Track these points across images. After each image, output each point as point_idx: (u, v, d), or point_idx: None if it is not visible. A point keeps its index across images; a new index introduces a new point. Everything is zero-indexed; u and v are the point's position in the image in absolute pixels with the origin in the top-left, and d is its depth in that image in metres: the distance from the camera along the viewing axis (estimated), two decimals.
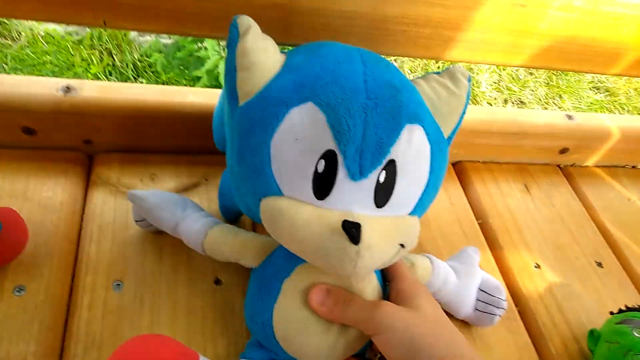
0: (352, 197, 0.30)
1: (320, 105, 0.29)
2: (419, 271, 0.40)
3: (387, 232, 0.31)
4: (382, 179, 0.30)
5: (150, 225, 0.42)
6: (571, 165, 0.67)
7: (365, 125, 0.29)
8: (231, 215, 0.45)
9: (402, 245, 0.32)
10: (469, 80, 0.35)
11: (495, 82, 2.29)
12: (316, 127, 0.29)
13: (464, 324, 0.45)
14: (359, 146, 0.29)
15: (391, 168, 0.31)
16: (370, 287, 0.36)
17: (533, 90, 2.31)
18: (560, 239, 0.57)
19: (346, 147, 0.29)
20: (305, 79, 0.30)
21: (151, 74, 1.42)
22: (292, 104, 0.30)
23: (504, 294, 0.43)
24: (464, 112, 0.36)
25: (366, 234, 0.29)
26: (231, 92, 0.32)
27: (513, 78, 2.35)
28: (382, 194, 0.31)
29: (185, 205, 0.40)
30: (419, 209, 0.34)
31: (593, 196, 0.64)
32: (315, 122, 0.29)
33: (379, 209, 0.31)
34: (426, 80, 0.35)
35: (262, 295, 0.36)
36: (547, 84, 2.36)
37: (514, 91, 2.26)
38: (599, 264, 0.55)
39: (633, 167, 0.70)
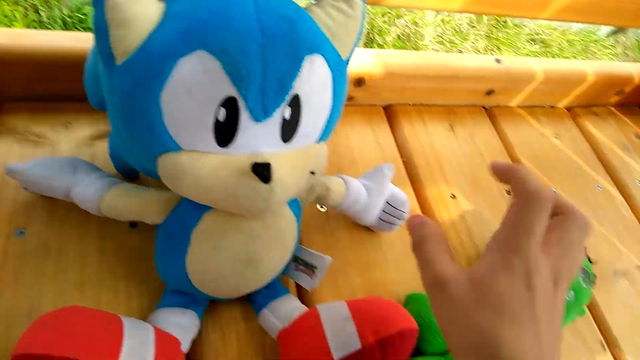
0: (257, 138, 0.31)
1: (212, 52, 0.28)
2: (332, 195, 0.43)
3: (296, 164, 0.33)
4: (287, 115, 0.31)
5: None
6: (495, 106, 0.74)
7: (264, 65, 0.29)
8: (130, 174, 0.44)
9: (312, 173, 0.34)
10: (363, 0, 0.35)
11: (438, 35, 2.32)
12: (211, 76, 0.28)
13: (369, 231, 0.52)
14: (260, 87, 0.29)
15: (296, 102, 0.31)
16: (282, 218, 0.38)
17: (474, 43, 2.36)
18: (477, 172, 0.64)
19: (247, 91, 0.29)
20: (192, 26, 0.28)
21: (82, 29, 1.37)
22: (179, 55, 0.28)
23: (408, 207, 0.49)
24: (360, 32, 0.36)
25: (276, 170, 0.30)
26: (105, 52, 0.29)
27: (456, 31, 2.38)
28: (289, 130, 0.32)
29: (75, 169, 0.38)
30: (325, 134, 0.35)
31: (512, 134, 0.71)
32: (209, 71, 0.28)
33: (286, 144, 0.32)
34: (321, 7, 0.34)
35: (172, 249, 0.36)
36: (488, 36, 2.41)
37: (456, 43, 2.30)
38: (509, 192, 0.63)
39: (551, 106, 0.77)
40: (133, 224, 0.44)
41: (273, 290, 0.42)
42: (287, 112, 0.31)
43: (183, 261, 0.36)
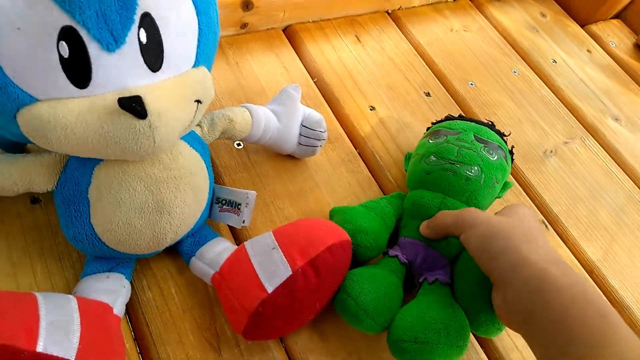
0: (119, 71, 0.28)
1: None
2: (237, 126, 0.40)
3: (174, 94, 0.30)
4: (143, 39, 0.28)
5: None
6: (398, 9, 0.70)
7: None
8: (14, 147, 0.37)
9: (198, 102, 0.32)
10: None
11: None
12: (36, 6, 0.25)
13: (294, 159, 0.49)
14: (98, 10, 0.26)
15: (149, 22, 0.28)
16: (182, 157, 0.35)
17: None
18: (392, 79, 0.61)
19: (84, 17, 0.26)
20: None
21: None
22: None
23: (324, 126, 0.46)
24: None
25: (151, 103, 0.28)
26: None
27: None
28: (152, 55, 0.29)
29: None
30: (203, 57, 0.33)
31: (420, 34, 0.68)
32: (34, 1, 0.25)
33: (157, 73, 0.30)
34: None
35: (74, 214, 0.34)
36: None
37: None
38: (427, 94, 0.61)
39: (454, 0, 0.75)
40: (33, 200, 0.40)
41: (199, 236, 0.39)
42: (142, 35, 0.28)
43: (89, 223, 0.34)
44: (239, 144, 0.49)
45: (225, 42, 0.57)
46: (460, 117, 0.49)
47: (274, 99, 0.47)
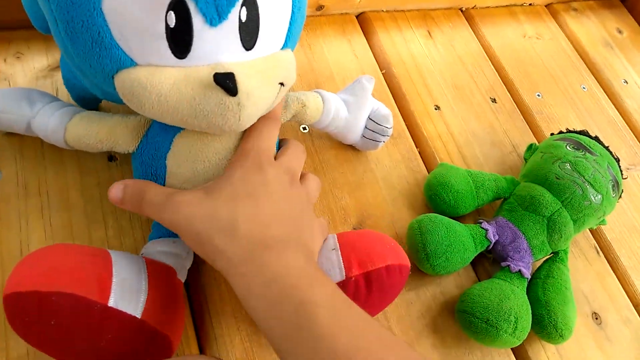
0: (216, 46, 0.28)
1: None
2: (308, 111, 0.41)
3: (264, 74, 0.30)
4: (244, 17, 0.28)
5: None
6: (472, 8, 0.69)
7: None
8: (90, 104, 0.39)
9: (281, 84, 0.32)
10: None
11: None
12: None
13: (356, 150, 0.49)
14: None
15: (251, 2, 0.29)
16: (222, 155, 0.34)
17: None
18: (459, 79, 0.60)
19: None
20: None
21: None
22: None
23: (391, 122, 0.46)
24: None
25: (242, 81, 0.28)
26: None
27: None
28: (248, 34, 0.29)
29: (32, 100, 0.35)
30: (290, 40, 0.33)
31: (491, 36, 0.67)
32: None
33: (249, 52, 0.30)
34: None
35: (150, 177, 0.34)
36: None
37: None
38: (493, 100, 0.60)
39: (530, 4, 0.73)
40: (111, 158, 0.41)
41: None
42: (243, 13, 0.28)
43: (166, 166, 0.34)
44: (304, 128, 0.49)
45: None
46: (597, 139, 0.49)
47: (347, 87, 0.46)
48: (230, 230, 0.29)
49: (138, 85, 0.28)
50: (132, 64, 0.28)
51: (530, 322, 0.40)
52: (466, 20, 0.67)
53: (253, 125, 0.33)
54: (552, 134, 0.53)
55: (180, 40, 0.28)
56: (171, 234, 0.37)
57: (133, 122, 0.34)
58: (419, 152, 0.53)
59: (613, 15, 0.77)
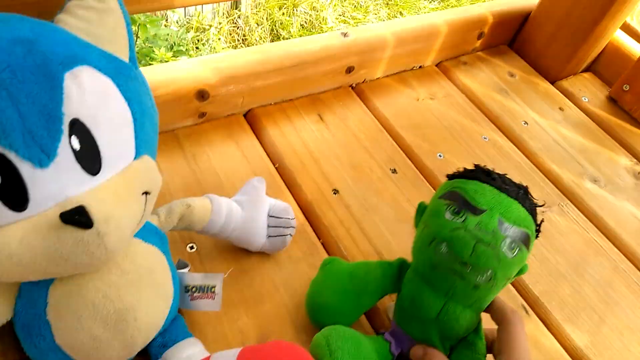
0: (57, 183, 0.27)
1: None
2: (196, 211, 0.39)
3: (120, 193, 0.29)
4: (76, 145, 0.27)
5: None
6: (362, 82, 0.70)
7: (14, 102, 0.25)
8: None
9: (146, 193, 0.31)
10: None
11: (340, 15, 2.32)
12: None
13: (247, 261, 0.46)
14: (23, 129, 0.25)
15: (79, 128, 0.27)
16: (139, 255, 0.33)
17: (376, 14, 2.39)
18: (356, 158, 0.59)
19: (9, 140, 0.25)
20: None
21: None
22: None
23: (291, 213, 0.45)
24: (128, 23, 0.33)
25: (95, 209, 0.26)
26: None
27: (355, 6, 2.40)
28: (88, 159, 0.28)
29: None
30: (144, 146, 0.32)
31: (385, 106, 0.67)
32: None
33: (97, 175, 0.28)
34: (67, 12, 0.30)
35: (36, 338, 0.32)
36: (387, 4, 2.45)
37: (359, 19, 2.32)
38: (394, 171, 0.59)
39: (420, 67, 0.75)
40: None
41: (168, 336, 0.37)
42: (75, 142, 0.27)
43: (56, 345, 0.32)
44: (192, 247, 0.46)
45: (182, 134, 0.56)
46: (487, 173, 0.39)
47: (238, 192, 0.46)
48: None
49: None
50: None
51: None
52: (357, 96, 0.67)
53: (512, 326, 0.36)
54: (447, 175, 0.43)
55: (12, 195, 0.26)
56: None
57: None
58: (322, 244, 0.50)
59: (503, 62, 0.80)
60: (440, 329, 0.38)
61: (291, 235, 0.46)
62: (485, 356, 0.39)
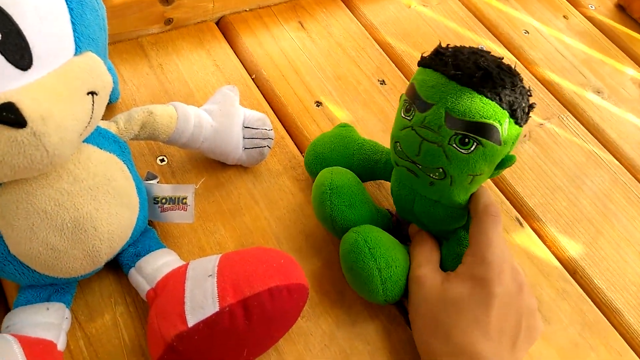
0: None
1: None
2: (159, 119, 0.37)
3: (59, 90, 0.26)
4: None
5: None
6: None
7: None
8: None
9: (93, 93, 0.28)
10: None
11: None
12: None
13: (223, 172, 0.44)
14: None
15: None
16: (93, 163, 0.31)
17: None
18: (341, 68, 0.56)
19: None
20: None
21: None
22: None
23: (268, 123, 0.43)
24: None
25: (28, 107, 0.24)
26: None
27: None
28: (14, 51, 0.25)
29: None
30: (85, 42, 0.29)
31: (372, 13, 0.62)
32: None
33: (29, 71, 0.26)
34: None
35: None
36: None
37: None
38: (382, 82, 0.56)
39: None
40: None
41: (141, 246, 0.37)
42: None
43: (12, 256, 0.31)
44: (162, 160, 0.44)
45: (147, 42, 0.52)
46: (441, 60, 0.34)
47: (208, 101, 0.43)
48: (443, 338, 0.33)
49: None
50: None
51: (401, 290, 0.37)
52: (342, 2, 0.63)
53: (483, 222, 0.35)
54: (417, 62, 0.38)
55: None
56: (44, 298, 0.33)
57: None
58: (304, 157, 0.48)
59: None
60: (420, 221, 0.39)
61: (269, 147, 0.43)
62: None
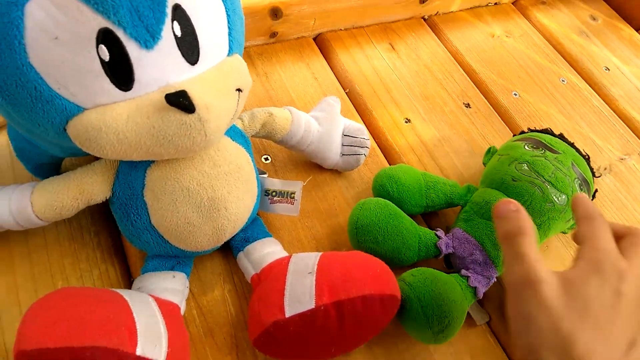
0: (160, 68, 0.28)
1: None
2: (277, 120, 0.42)
3: (217, 84, 0.31)
4: (178, 32, 0.29)
5: None
6: (435, 15, 0.70)
7: None
8: (50, 171, 0.38)
9: (239, 90, 0.33)
10: None
11: None
12: (70, 12, 0.25)
13: (322, 175, 0.48)
14: (130, 7, 0.26)
15: (180, 14, 0.29)
16: (228, 152, 0.36)
17: None
18: (428, 89, 0.60)
19: (118, 16, 0.26)
20: None
21: None
22: (20, 1, 0.25)
23: (366, 133, 0.47)
24: None
25: (197, 96, 0.28)
26: None
27: None
28: (189, 48, 0.30)
29: None
30: (235, 45, 0.33)
31: (458, 40, 0.67)
32: (66, 6, 0.25)
33: (195, 66, 0.30)
34: None
35: (133, 217, 0.35)
36: None
37: None
38: (467, 105, 0.60)
39: (495, 3, 0.74)
40: None
41: (250, 232, 0.41)
42: (176, 28, 0.29)
43: (150, 225, 0.35)
44: (266, 159, 0.49)
45: (254, 52, 0.58)
46: (561, 137, 0.47)
47: (314, 108, 0.48)
48: (561, 351, 0.28)
49: (92, 130, 0.28)
50: (79, 110, 0.28)
51: (456, 331, 0.38)
52: (430, 28, 0.68)
53: (592, 224, 0.31)
54: (513, 135, 0.51)
55: (120, 73, 0.27)
56: (169, 267, 0.38)
57: (100, 168, 0.35)
58: None
59: (584, 4, 0.78)
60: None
61: (365, 155, 0.48)
62: None
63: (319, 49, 0.61)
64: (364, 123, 0.55)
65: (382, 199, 0.43)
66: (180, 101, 0.28)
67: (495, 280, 0.42)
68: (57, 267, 0.39)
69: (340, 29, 0.63)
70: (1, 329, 0.35)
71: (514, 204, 0.32)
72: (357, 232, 0.41)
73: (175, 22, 0.28)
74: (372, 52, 0.62)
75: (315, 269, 0.35)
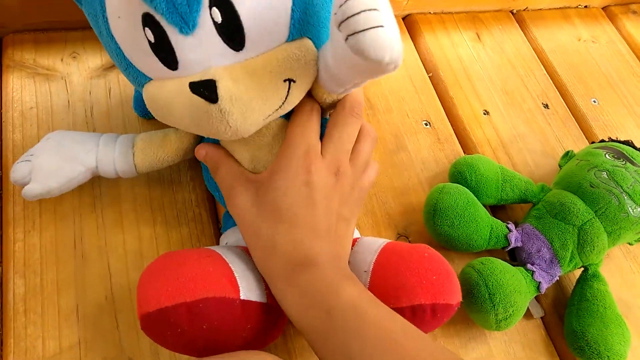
0: (202, 53, 0.28)
1: None
2: None
3: (258, 73, 0.30)
4: (218, 18, 0.27)
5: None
6: (524, 10, 0.70)
7: None
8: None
9: (291, 81, 0.31)
10: None
11: None
12: None
13: (398, 155, 0.51)
14: None
15: (221, 1, 0.27)
16: (269, 135, 0.35)
17: None
18: (509, 84, 0.61)
19: (154, 3, 0.26)
20: None
21: None
22: None
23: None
24: None
25: (225, 87, 0.28)
26: None
27: None
28: (229, 34, 0.28)
29: (83, 151, 0.37)
30: (302, 29, 0.30)
31: (543, 39, 0.68)
32: None
33: (241, 52, 0.29)
34: None
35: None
36: None
37: None
38: (546, 106, 0.61)
39: (585, 6, 0.74)
40: None
41: None
42: (216, 15, 0.27)
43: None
44: None
45: None
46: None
47: None
48: (270, 249, 0.33)
49: (151, 99, 0.32)
50: (147, 79, 0.31)
51: (517, 321, 0.41)
52: (517, 22, 0.68)
53: (295, 117, 0.34)
54: (592, 142, 0.53)
55: (164, 54, 0.29)
56: None
57: None
58: None
59: None
60: (578, 239, 0.44)
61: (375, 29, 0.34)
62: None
63: (407, 29, 0.63)
64: (444, 109, 0.57)
65: (461, 186, 0.45)
66: (201, 91, 0.29)
67: (557, 279, 0.44)
68: (157, 203, 0.42)
69: (430, 12, 0.65)
70: (106, 252, 0.40)
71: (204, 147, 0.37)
72: (434, 214, 0.44)
73: (214, 9, 0.27)
74: (458, 39, 0.63)
75: (371, 269, 0.36)
